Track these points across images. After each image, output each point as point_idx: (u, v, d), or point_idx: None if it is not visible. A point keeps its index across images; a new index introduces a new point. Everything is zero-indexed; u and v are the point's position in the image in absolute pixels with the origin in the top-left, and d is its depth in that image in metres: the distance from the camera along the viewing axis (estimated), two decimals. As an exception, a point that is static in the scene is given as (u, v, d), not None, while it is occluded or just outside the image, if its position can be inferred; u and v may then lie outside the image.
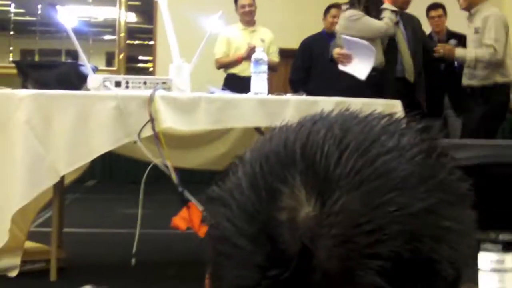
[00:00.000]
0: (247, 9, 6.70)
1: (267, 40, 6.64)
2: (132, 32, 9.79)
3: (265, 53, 3.92)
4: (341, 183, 0.55)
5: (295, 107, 3.51)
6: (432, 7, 6.83)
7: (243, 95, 3.61)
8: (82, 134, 3.29)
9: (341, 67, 5.47)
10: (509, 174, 2.30)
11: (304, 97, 3.75)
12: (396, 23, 5.54)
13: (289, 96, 3.67)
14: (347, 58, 5.39)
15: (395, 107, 3.78)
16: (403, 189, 0.55)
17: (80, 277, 3.56)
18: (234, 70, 6.56)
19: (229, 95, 3.65)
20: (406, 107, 5.32)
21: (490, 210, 2.30)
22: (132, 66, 9.82)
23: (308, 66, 6.84)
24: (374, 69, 5.23)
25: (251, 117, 3.47)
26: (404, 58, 5.61)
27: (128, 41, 9.68)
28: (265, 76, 3.67)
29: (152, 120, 3.26)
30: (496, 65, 5.48)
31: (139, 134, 3.27)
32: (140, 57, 10.27)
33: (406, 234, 0.54)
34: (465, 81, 5.69)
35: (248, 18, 6.75)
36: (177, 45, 3.68)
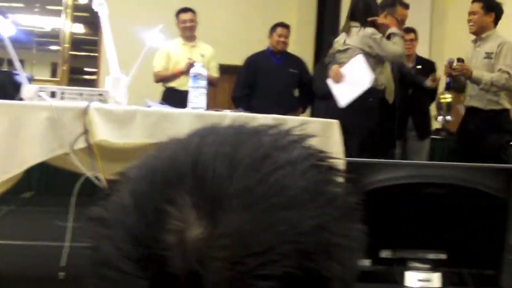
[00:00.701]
0: (188, 24, 6.73)
1: (207, 56, 6.65)
2: (78, 43, 9.68)
3: (205, 69, 3.92)
4: (232, 203, 0.53)
5: (233, 123, 3.49)
6: (405, 31, 6.96)
7: (180, 110, 3.59)
8: (14, 144, 3.22)
9: (329, 82, 5.58)
10: (438, 194, 2.34)
11: (242, 113, 3.75)
12: None
13: (227, 112, 3.66)
14: (338, 77, 5.49)
15: (333, 126, 3.80)
16: (295, 207, 0.54)
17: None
18: (173, 84, 6.55)
19: (166, 109, 3.63)
20: (386, 126, 5.58)
21: (419, 230, 2.34)
22: (77, 77, 9.70)
23: (252, 83, 6.87)
24: (373, 94, 5.42)
25: (188, 132, 3.44)
26: (388, 80, 5.75)
27: (73, 52, 9.57)
28: (203, 91, 3.66)
29: (86, 132, 3.22)
30: (507, 91, 5.61)
31: (72, 146, 3.22)
32: (86, 69, 10.16)
33: (297, 253, 0.53)
34: (470, 102, 5.76)
35: (189, 33, 6.76)
36: (116, 57, 3.65)
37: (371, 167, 2.31)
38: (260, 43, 7.38)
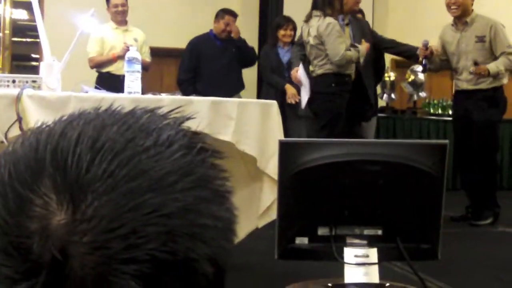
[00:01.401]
0: (119, 8, 6.62)
1: (140, 40, 6.59)
2: (21, 29, 9.52)
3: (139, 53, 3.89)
4: (93, 187, 0.53)
5: (169, 106, 3.46)
6: None
7: (116, 94, 3.55)
8: None
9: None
10: (374, 171, 2.36)
11: (178, 96, 3.73)
12: (347, 24, 5.84)
13: (163, 96, 3.64)
14: (298, 81, 5.92)
15: (271, 106, 3.80)
16: (159, 189, 0.54)
17: None
18: (109, 69, 6.48)
19: (101, 94, 3.59)
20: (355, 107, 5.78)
21: (356, 206, 2.36)
22: (22, 64, 9.57)
23: (196, 66, 6.82)
24: (334, 79, 5.65)
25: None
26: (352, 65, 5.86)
27: (17, 39, 9.41)
28: (138, 75, 3.62)
29: (20, 119, 3.17)
30: None
31: (6, 134, 3.17)
32: (33, 55, 10.00)
33: (162, 235, 0.53)
34: (469, 86, 5.77)
35: (120, 17, 6.66)
36: (48, 42, 3.58)
37: (307, 146, 2.32)
38: (207, 26, 7.26)
